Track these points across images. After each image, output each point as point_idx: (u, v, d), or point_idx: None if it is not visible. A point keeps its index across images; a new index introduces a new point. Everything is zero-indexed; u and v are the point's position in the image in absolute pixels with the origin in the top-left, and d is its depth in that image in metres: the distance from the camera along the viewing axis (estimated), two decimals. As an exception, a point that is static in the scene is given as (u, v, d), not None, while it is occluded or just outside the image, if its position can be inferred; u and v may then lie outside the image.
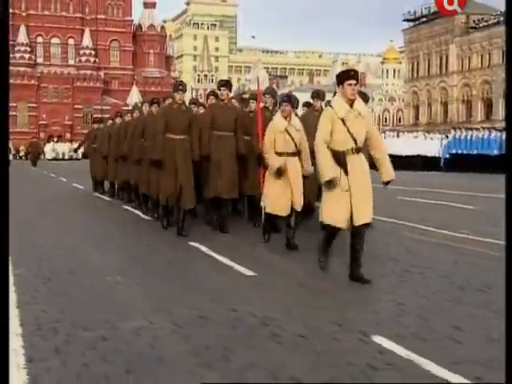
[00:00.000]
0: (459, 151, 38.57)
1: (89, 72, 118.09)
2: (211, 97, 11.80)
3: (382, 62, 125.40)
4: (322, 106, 10.89)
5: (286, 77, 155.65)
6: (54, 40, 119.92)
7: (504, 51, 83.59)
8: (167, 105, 11.08)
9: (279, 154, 9.01)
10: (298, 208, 9.02)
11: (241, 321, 6.45)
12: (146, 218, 14.31)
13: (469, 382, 4.63)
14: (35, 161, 49.96)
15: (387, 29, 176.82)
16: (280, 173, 8.93)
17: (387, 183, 7.85)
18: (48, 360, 5.38)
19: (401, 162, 36.28)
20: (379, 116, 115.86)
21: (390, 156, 27.88)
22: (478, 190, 23.88)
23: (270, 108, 10.25)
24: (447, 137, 41.34)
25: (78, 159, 71.86)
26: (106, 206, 18.56)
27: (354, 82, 7.20)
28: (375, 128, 7.82)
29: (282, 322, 6.23)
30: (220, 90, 10.78)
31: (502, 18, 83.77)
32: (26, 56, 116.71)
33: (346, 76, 7.24)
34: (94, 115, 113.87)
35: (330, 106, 7.52)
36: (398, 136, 43.23)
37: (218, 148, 10.48)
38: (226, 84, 10.79)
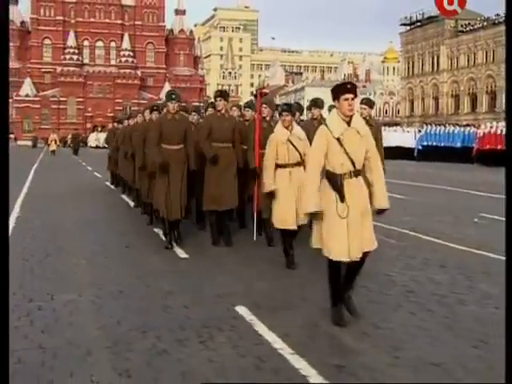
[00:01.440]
0: (430, 143, 38.81)
1: (128, 71, 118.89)
2: (210, 108, 10.19)
3: (383, 61, 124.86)
4: (321, 115, 9.52)
5: (301, 73, 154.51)
6: (98, 43, 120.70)
7: (487, 52, 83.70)
8: (161, 115, 9.52)
9: (283, 166, 7.57)
10: (303, 221, 7.14)
11: (148, 294, 6.91)
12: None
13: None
14: (76, 150, 49.43)
15: (388, 31, 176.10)
16: (271, 195, 7.67)
17: (380, 212, 6.06)
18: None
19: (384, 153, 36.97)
20: (380, 108, 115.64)
21: None
22: (433, 180, 23.72)
23: (268, 119, 8.93)
24: (420, 131, 41.51)
25: None
26: (113, 200, 17.15)
27: (352, 96, 5.47)
28: (375, 149, 5.83)
29: (180, 293, 6.78)
30: (216, 100, 9.25)
31: (485, 23, 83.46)
32: (75, 57, 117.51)
33: (342, 90, 5.53)
34: (132, 108, 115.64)
35: (325, 124, 5.68)
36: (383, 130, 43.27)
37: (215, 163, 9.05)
38: (222, 94, 9.28)
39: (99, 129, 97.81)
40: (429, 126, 41.33)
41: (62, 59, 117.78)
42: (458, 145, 36.12)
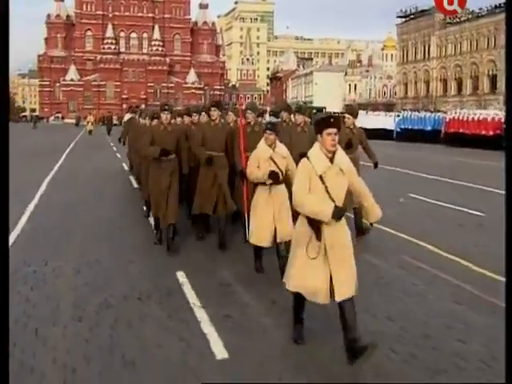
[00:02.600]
0: (406, 126, 39.18)
1: (158, 58, 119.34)
2: (203, 113, 9.33)
3: (382, 49, 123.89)
4: (305, 121, 8.54)
5: (312, 59, 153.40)
6: (133, 34, 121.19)
7: (471, 41, 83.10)
8: (154, 125, 8.53)
9: (264, 183, 6.48)
10: (285, 238, 6.32)
11: (117, 263, 7.52)
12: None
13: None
14: (109, 130, 47.55)
15: (387, 22, 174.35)
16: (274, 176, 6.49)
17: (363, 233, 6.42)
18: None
19: (369, 134, 37.44)
20: (379, 90, 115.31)
21: (364, 130, 26.83)
22: (386, 160, 23.08)
23: (252, 123, 8.00)
24: (398, 115, 41.74)
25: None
26: (123, 182, 16.64)
27: (335, 130, 4.50)
28: (359, 180, 4.85)
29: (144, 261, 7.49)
30: (210, 110, 8.44)
31: (470, 16, 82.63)
32: (112, 47, 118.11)
33: (326, 124, 4.53)
34: (163, 91, 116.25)
35: (308, 158, 4.62)
36: (366, 113, 43.61)
37: (208, 167, 8.20)
38: (216, 105, 8.51)
39: (134, 108, 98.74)
40: (405, 112, 41.85)
41: (101, 48, 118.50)
42: (429, 128, 36.53)
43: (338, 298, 4.50)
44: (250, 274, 7.07)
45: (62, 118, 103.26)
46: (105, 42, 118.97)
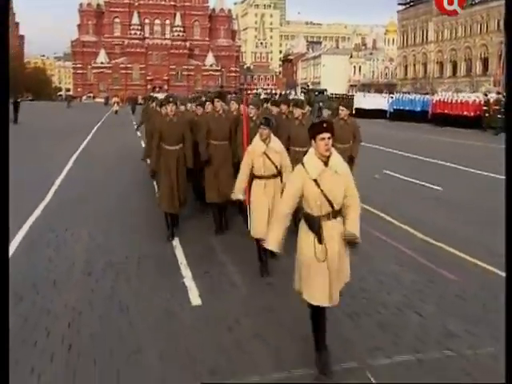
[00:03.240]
0: (398, 107, 39.17)
1: (179, 43, 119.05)
2: (208, 103, 8.87)
3: (385, 33, 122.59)
4: (303, 113, 7.94)
5: (320, 43, 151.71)
6: (156, 21, 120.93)
7: (465, 27, 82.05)
8: (161, 117, 7.98)
9: (259, 178, 6.02)
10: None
11: (126, 233, 7.97)
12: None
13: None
14: (133, 109, 45.81)
15: (390, 8, 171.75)
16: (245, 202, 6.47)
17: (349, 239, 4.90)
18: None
19: (366, 114, 37.73)
20: (381, 72, 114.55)
21: (360, 110, 31.41)
22: (371, 139, 22.25)
23: (254, 118, 7.38)
24: (392, 97, 41.70)
25: None
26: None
27: (328, 135, 4.06)
28: (353, 187, 4.21)
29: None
30: (215, 101, 8.14)
31: (465, 4, 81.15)
32: (138, 33, 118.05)
33: (318, 129, 4.09)
34: (183, 73, 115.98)
35: (303, 164, 4.17)
36: (364, 96, 43.72)
37: (214, 156, 7.80)
38: (220, 96, 8.33)
39: (157, 89, 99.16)
40: (398, 94, 41.97)
41: (128, 34, 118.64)
42: (418, 109, 36.59)
43: (333, 303, 4.18)
44: (234, 240, 7.57)
45: (93, 97, 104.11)
46: (131, 28, 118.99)
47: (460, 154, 19.25)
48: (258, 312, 5.25)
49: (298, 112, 7.71)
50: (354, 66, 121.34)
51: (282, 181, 6.00)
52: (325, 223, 4.08)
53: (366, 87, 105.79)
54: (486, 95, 30.89)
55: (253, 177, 6.14)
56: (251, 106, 7.53)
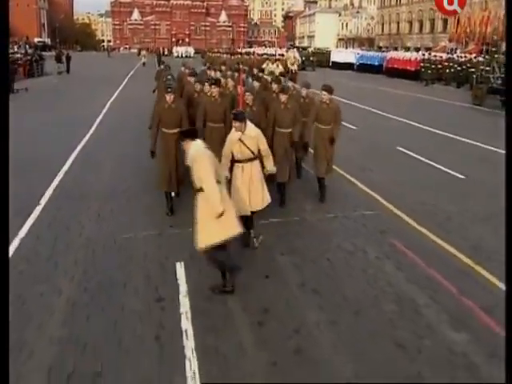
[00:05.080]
0: (362, 62, 39.28)
1: (197, 3, 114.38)
2: (199, 83, 7.91)
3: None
4: (290, 96, 7.15)
5: (316, 2, 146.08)
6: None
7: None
8: (160, 104, 6.96)
9: (238, 161, 5.49)
10: (256, 207, 5.56)
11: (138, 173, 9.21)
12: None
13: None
14: (159, 61, 42.11)
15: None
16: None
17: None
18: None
19: (339, 66, 38.87)
20: (364, 28, 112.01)
21: (336, 63, 34.35)
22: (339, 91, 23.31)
23: (250, 104, 6.74)
24: (358, 54, 41.61)
25: (191, 57, 66.82)
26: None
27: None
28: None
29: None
30: (211, 87, 7.17)
31: (464, 4, 78.48)
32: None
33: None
34: (201, 28, 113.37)
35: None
36: (338, 52, 44.15)
37: (211, 136, 6.88)
38: (215, 83, 7.21)
39: (180, 42, 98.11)
40: (361, 51, 42.32)
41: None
42: (376, 63, 36.84)
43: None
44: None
45: (129, 48, 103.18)
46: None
47: (389, 102, 20.35)
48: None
49: (283, 97, 6.91)
50: (342, 23, 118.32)
51: (262, 164, 5.58)
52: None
53: (351, 41, 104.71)
54: (424, 55, 31.65)
55: (234, 161, 5.60)
56: (247, 93, 6.77)
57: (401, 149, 10.95)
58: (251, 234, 5.69)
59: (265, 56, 29.49)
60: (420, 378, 3.51)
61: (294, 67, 26.25)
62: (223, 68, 11.45)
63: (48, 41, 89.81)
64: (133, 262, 5.28)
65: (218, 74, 8.84)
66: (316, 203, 7.17)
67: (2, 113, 3.13)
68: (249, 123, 5.44)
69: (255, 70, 11.47)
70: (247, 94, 6.70)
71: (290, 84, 8.54)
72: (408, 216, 6.73)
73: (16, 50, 37.98)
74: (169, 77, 8.62)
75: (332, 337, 4.02)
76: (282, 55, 27.85)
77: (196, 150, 4.50)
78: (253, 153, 5.45)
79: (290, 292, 4.71)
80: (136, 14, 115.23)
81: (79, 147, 10.50)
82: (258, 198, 5.50)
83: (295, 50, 36.08)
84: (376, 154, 10.42)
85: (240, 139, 5.37)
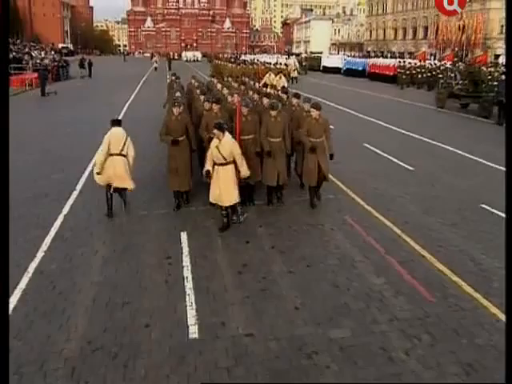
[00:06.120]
0: (348, 66, 39.66)
1: (204, 11, 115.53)
2: (207, 102, 7.57)
3: (358, 4, 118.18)
4: (279, 111, 7.13)
5: (312, 10, 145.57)
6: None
7: (413, 3, 79.87)
8: (169, 115, 7.05)
9: (215, 164, 6.07)
10: (225, 203, 6.17)
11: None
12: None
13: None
14: (169, 65, 42.62)
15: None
16: (207, 175, 6.15)
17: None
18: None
19: (329, 70, 39.40)
20: (354, 34, 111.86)
21: (327, 68, 34.28)
22: (321, 92, 24.39)
23: (246, 115, 6.89)
24: (345, 59, 41.94)
25: (199, 61, 67.98)
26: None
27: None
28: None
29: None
30: (212, 105, 7.28)
31: (464, 5, 78.43)
32: (174, 5, 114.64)
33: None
34: (207, 34, 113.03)
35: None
36: (327, 57, 44.57)
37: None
38: (216, 101, 7.32)
39: (188, 46, 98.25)
40: (348, 57, 42.76)
41: (167, 5, 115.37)
42: (360, 68, 37.26)
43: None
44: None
45: (143, 53, 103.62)
46: (169, 0, 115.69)
47: (366, 104, 20.78)
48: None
49: (273, 113, 7.01)
50: (335, 29, 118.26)
51: (236, 166, 6.12)
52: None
53: (342, 45, 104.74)
54: (400, 62, 32.30)
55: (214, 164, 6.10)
56: (243, 107, 6.92)
57: (366, 145, 11.82)
58: (238, 212, 6.50)
59: (268, 65, 29.13)
60: (346, 307, 4.59)
61: (295, 74, 26.77)
62: (230, 80, 11.76)
63: (71, 46, 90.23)
64: (149, 231, 6.34)
65: (225, 91, 8.93)
66: (290, 190, 7.75)
67: (2, 113, 2.93)
68: (227, 134, 5.97)
69: (258, 84, 11.56)
70: (243, 107, 6.89)
71: (285, 96, 8.44)
72: (360, 198, 7.74)
73: (43, 55, 38.67)
74: (177, 94, 8.90)
75: (288, 281, 5.03)
76: (286, 65, 28.05)
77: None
78: (225, 158, 5.98)
79: (263, 252, 5.67)
80: (149, 22, 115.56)
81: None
82: (228, 196, 6.10)
83: (294, 56, 36.86)
84: (346, 149, 11.05)
85: (216, 146, 5.96)
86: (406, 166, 9.93)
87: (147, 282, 5.00)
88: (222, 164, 6.03)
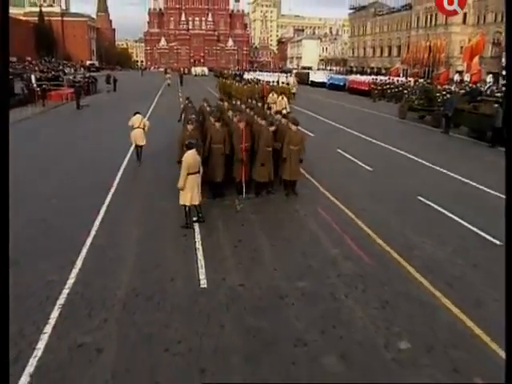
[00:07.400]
0: (332, 82, 40.13)
1: (210, 32, 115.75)
2: (212, 118, 7.90)
3: (343, 26, 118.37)
4: (269, 124, 7.90)
5: (303, 30, 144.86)
6: (196, 18, 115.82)
7: (389, 25, 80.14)
8: (184, 132, 7.70)
9: (192, 173, 6.38)
10: (194, 202, 6.52)
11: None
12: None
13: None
14: (181, 81, 41.59)
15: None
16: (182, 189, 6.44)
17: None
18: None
19: (316, 84, 39.96)
20: (339, 51, 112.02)
21: (313, 82, 33.78)
22: (303, 103, 24.68)
23: (242, 128, 7.45)
24: (329, 76, 42.44)
25: (206, 75, 67.56)
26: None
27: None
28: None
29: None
30: (216, 121, 7.69)
31: (388, 11, 78.99)
32: (185, 26, 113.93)
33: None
34: (213, 51, 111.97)
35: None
36: (314, 73, 45.09)
37: (216, 152, 7.65)
38: (219, 120, 7.66)
39: (196, 62, 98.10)
40: (331, 74, 43.26)
41: (178, 27, 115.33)
42: (342, 84, 37.70)
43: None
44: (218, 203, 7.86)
45: (158, 68, 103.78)
46: (180, 23, 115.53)
47: (343, 114, 21.31)
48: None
49: (271, 128, 7.72)
50: (323, 47, 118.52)
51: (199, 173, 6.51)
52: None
53: (330, 61, 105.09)
54: (373, 79, 33.13)
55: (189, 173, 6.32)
56: (241, 123, 7.52)
57: (339, 150, 12.59)
58: (236, 202, 7.27)
59: (272, 85, 28.70)
60: (309, 268, 5.61)
61: (294, 90, 27.01)
62: (238, 103, 11.16)
63: (97, 63, 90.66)
64: (167, 217, 7.13)
65: (230, 113, 8.87)
66: (278, 187, 8.39)
67: (2, 114, 2.64)
68: (193, 151, 6.35)
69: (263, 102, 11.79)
70: (240, 123, 7.53)
71: (284, 121, 8.39)
72: (329, 193, 8.61)
73: (73, 71, 39.10)
74: (192, 116, 9.01)
75: (271, 252, 5.89)
76: (288, 84, 28.22)
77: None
78: (198, 168, 6.42)
79: (253, 232, 6.48)
80: (163, 41, 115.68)
81: (132, 148, 10.92)
82: (195, 196, 6.48)
83: (293, 75, 37.33)
84: (322, 154, 11.72)
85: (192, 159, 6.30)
86: (367, 167, 10.74)
87: (169, 251, 5.81)
88: (194, 173, 6.39)
